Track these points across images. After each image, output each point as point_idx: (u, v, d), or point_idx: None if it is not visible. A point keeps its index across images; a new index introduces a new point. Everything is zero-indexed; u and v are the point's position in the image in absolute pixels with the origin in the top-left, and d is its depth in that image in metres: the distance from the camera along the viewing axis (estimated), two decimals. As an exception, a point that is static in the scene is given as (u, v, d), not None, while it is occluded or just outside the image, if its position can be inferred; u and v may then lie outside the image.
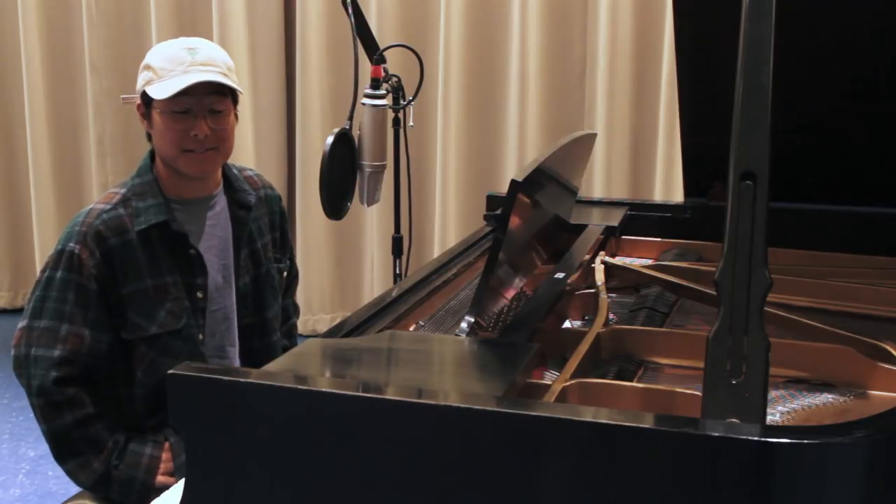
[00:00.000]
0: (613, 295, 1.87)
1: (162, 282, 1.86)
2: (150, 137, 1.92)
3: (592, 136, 2.18)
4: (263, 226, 2.05)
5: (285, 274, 2.15)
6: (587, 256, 1.97)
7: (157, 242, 1.86)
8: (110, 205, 1.86)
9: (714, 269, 1.05)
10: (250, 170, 2.13)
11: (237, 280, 1.99)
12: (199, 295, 1.91)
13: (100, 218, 1.83)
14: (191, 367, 1.15)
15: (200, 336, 1.92)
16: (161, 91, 1.81)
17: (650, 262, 2.12)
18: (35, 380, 1.80)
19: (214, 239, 1.95)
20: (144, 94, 1.85)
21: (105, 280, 1.81)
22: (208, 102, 1.84)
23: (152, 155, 1.94)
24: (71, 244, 1.81)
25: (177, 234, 1.87)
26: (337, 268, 4.34)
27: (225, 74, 1.86)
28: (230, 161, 2.01)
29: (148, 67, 1.85)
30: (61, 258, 1.82)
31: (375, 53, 2.35)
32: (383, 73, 2.35)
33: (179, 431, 1.15)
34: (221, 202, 1.97)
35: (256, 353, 2.03)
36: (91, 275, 1.80)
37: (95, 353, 1.82)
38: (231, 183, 1.99)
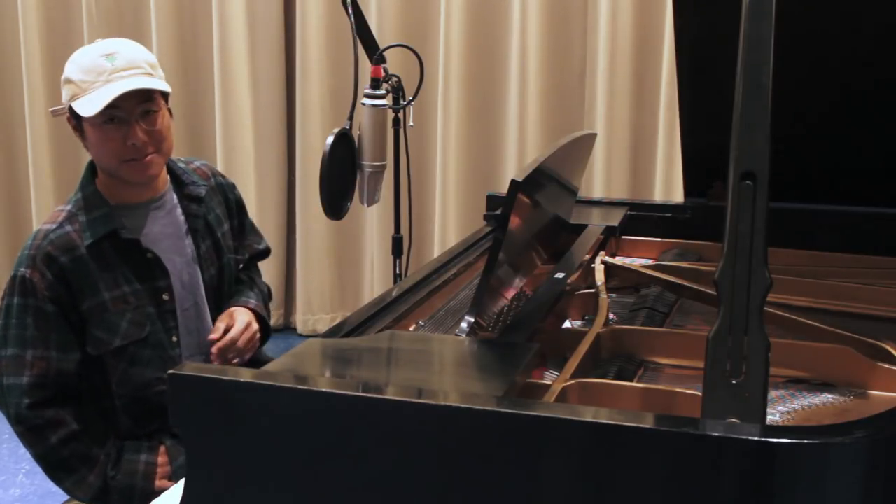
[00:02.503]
0: (613, 295, 1.87)
1: (120, 293, 1.83)
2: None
3: (592, 136, 2.18)
4: (221, 214, 2.02)
5: (241, 266, 2.11)
6: (587, 256, 1.97)
7: (110, 253, 1.83)
8: (56, 224, 1.82)
9: (714, 269, 1.05)
10: (198, 160, 2.09)
11: (203, 273, 1.97)
12: (165, 297, 1.88)
13: (47, 238, 1.80)
14: (191, 368, 1.16)
15: (174, 338, 1.90)
16: (87, 107, 1.75)
17: (650, 262, 2.12)
18: (11, 408, 1.80)
19: (171, 238, 1.92)
20: (73, 109, 1.80)
21: (61, 300, 1.79)
22: (139, 107, 1.79)
23: (92, 167, 1.90)
24: (22, 269, 1.79)
25: (128, 241, 1.84)
26: (337, 268, 4.33)
27: (149, 74, 1.80)
28: (180, 156, 2.00)
29: (69, 82, 1.79)
30: (15, 284, 1.80)
31: (375, 53, 2.35)
32: (383, 73, 2.35)
33: (179, 431, 1.15)
34: (171, 200, 1.94)
35: None
36: (45, 297, 1.78)
37: (64, 372, 1.80)
38: (179, 177, 1.97)
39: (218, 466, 1.13)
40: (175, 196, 1.95)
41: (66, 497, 1.89)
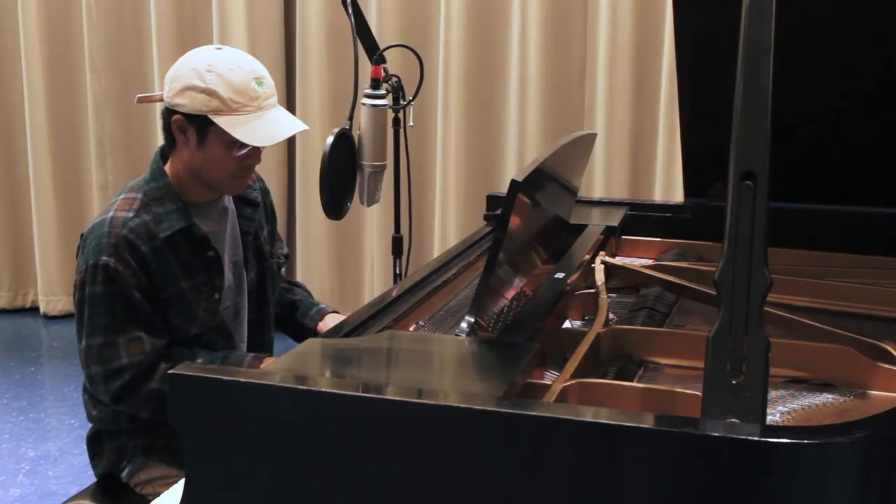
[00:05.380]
0: (613, 295, 1.87)
1: (194, 282, 1.86)
2: (171, 144, 1.86)
3: (592, 136, 2.18)
4: (262, 219, 2.06)
5: (283, 270, 2.17)
6: (587, 256, 1.97)
7: (183, 246, 1.85)
8: (133, 211, 1.82)
9: (714, 269, 1.05)
10: None
11: (246, 274, 2.00)
12: (216, 296, 1.91)
13: (126, 227, 1.79)
14: (191, 367, 1.16)
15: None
16: (245, 132, 1.76)
17: (650, 262, 2.12)
18: (109, 392, 1.80)
19: (226, 239, 1.96)
20: (199, 117, 1.78)
21: (144, 287, 1.80)
22: None
23: (163, 155, 1.90)
24: (104, 258, 1.77)
25: (199, 237, 1.87)
26: (337, 268, 4.34)
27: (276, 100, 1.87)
28: None
29: (213, 94, 1.76)
30: (97, 273, 1.78)
31: (375, 53, 2.35)
32: (383, 73, 2.35)
33: (179, 431, 1.15)
34: (229, 201, 1.98)
35: (257, 349, 2.03)
36: (131, 284, 1.78)
37: (157, 350, 1.81)
38: None
39: (218, 466, 1.13)
40: (230, 198, 1.98)
41: (64, 498, 1.89)
